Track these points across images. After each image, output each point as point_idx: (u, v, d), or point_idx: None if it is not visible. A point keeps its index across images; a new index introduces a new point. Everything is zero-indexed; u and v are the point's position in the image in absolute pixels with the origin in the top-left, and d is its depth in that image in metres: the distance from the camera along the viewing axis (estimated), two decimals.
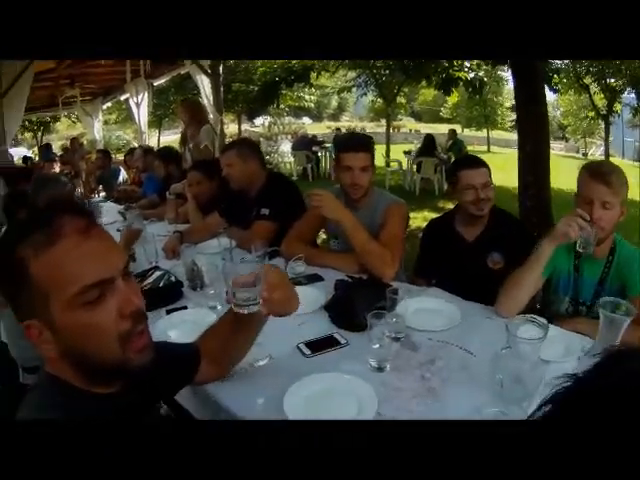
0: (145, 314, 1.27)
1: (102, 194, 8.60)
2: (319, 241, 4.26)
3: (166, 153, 6.28)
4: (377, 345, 2.13)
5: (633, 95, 18.05)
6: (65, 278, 1.11)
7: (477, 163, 3.26)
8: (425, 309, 2.66)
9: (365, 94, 19.89)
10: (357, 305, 2.45)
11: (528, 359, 1.79)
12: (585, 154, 33.72)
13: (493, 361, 1.87)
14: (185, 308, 2.84)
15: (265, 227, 3.76)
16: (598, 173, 2.49)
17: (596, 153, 33.83)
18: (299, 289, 2.90)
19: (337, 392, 1.96)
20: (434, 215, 10.72)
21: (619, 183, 2.47)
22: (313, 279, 3.12)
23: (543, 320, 1.94)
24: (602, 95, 17.45)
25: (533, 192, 6.81)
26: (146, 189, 6.92)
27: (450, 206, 11.86)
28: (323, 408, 1.88)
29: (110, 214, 5.63)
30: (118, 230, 4.11)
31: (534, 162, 6.83)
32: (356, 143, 3.32)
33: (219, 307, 2.75)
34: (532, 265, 2.51)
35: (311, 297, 2.76)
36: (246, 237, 3.69)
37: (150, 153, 7.09)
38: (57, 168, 10.13)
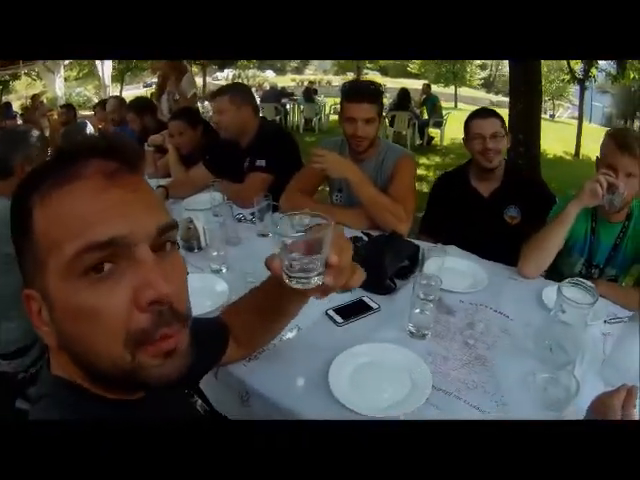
0: (181, 313, 0.87)
1: None
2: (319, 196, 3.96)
3: (140, 104, 5.80)
4: (418, 309, 1.94)
5: (610, 61, 17.94)
6: (68, 230, 0.78)
7: (487, 112, 3.11)
8: (450, 269, 2.43)
9: None
10: (385, 265, 2.23)
11: (578, 324, 1.73)
12: (552, 116, 34.04)
13: (541, 326, 1.86)
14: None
15: (262, 179, 3.48)
16: (625, 145, 2.40)
17: (563, 115, 34.20)
18: None
19: (386, 366, 1.76)
20: None
21: None
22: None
23: (590, 284, 1.81)
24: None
25: (523, 150, 6.68)
26: None
27: (424, 160, 12.13)
28: (373, 385, 1.69)
29: None
30: None
31: (525, 120, 6.68)
32: (360, 93, 3.01)
33: (224, 270, 2.53)
34: (557, 227, 2.45)
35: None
36: (240, 190, 3.44)
37: (123, 105, 6.59)
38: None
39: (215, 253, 2.55)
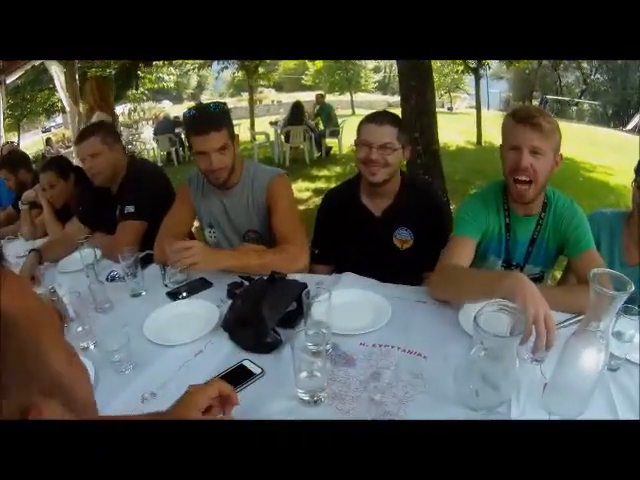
0: None
1: None
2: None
3: (11, 159, 5.32)
4: (304, 373, 1.60)
5: None
6: None
7: (384, 119, 2.69)
8: (346, 304, 2.15)
9: (226, 67, 19.30)
10: (264, 318, 1.90)
11: (506, 356, 1.47)
12: (450, 108, 34.90)
13: (462, 363, 1.57)
14: None
15: (131, 227, 3.10)
16: (524, 117, 2.19)
17: (461, 107, 35.08)
18: (184, 304, 2.36)
19: None
20: (308, 184, 11.03)
21: (550, 128, 2.18)
22: (199, 287, 2.54)
23: (513, 305, 1.57)
24: None
25: (421, 148, 6.36)
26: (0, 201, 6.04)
27: (325, 172, 12.06)
28: None
29: None
30: None
31: (419, 117, 6.37)
32: (205, 122, 2.63)
33: (91, 347, 2.13)
34: (475, 291, 1.98)
35: (202, 313, 2.24)
36: (110, 243, 3.06)
37: None
38: None
39: (80, 328, 2.14)
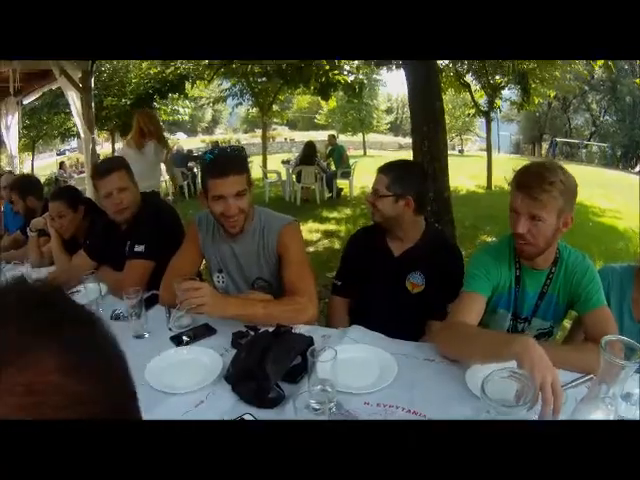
0: None
1: None
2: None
3: (22, 184, 5.28)
4: None
5: (513, 90, 18.44)
6: None
7: (382, 166, 2.89)
8: (351, 360, 2.10)
9: (241, 103, 19.37)
10: (269, 372, 1.86)
11: None
12: (461, 151, 35.12)
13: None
14: None
15: (140, 267, 3.08)
16: (523, 185, 2.18)
17: (472, 149, 35.32)
18: (188, 350, 2.32)
19: None
20: (318, 226, 11.05)
21: (550, 196, 2.12)
22: (203, 334, 2.50)
23: (521, 371, 1.53)
24: (482, 92, 17.64)
25: (432, 195, 6.26)
26: (7, 223, 6.08)
27: (335, 214, 12.05)
28: None
29: None
30: None
31: (431, 162, 6.36)
32: (225, 165, 2.58)
33: None
34: (486, 353, 1.95)
35: (206, 362, 2.20)
36: (118, 281, 3.02)
37: (7, 185, 6.01)
38: None
39: None
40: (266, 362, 1.89)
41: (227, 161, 2.62)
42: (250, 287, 2.87)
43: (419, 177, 2.93)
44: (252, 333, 2.34)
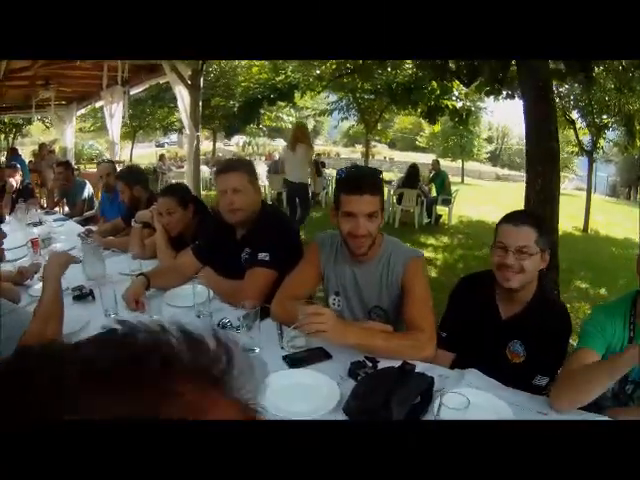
0: None
1: (66, 209, 7.81)
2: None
3: (130, 175, 5.35)
4: None
5: (616, 131, 18.00)
6: None
7: (520, 218, 2.49)
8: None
9: (346, 118, 19.34)
10: (394, 414, 1.77)
11: None
12: None
13: None
14: None
15: (264, 276, 2.99)
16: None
17: (569, 187, 34.44)
18: (301, 374, 2.22)
19: None
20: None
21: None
22: (319, 357, 2.41)
23: None
24: (585, 130, 17.14)
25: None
26: (104, 211, 6.21)
27: (432, 241, 11.84)
28: None
29: (70, 236, 5.01)
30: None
31: (543, 204, 6.08)
32: (362, 183, 2.51)
33: None
34: (603, 377, 2.04)
35: (320, 388, 2.11)
36: (239, 289, 2.93)
37: (113, 172, 6.06)
38: (18, 177, 8.62)
39: None
40: (392, 402, 1.81)
41: (363, 179, 2.55)
42: (366, 314, 2.78)
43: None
44: (370, 364, 2.26)
